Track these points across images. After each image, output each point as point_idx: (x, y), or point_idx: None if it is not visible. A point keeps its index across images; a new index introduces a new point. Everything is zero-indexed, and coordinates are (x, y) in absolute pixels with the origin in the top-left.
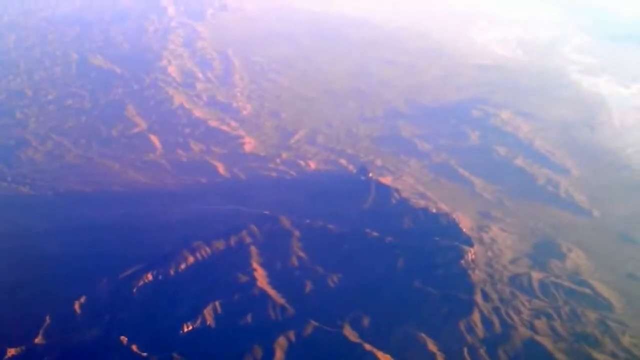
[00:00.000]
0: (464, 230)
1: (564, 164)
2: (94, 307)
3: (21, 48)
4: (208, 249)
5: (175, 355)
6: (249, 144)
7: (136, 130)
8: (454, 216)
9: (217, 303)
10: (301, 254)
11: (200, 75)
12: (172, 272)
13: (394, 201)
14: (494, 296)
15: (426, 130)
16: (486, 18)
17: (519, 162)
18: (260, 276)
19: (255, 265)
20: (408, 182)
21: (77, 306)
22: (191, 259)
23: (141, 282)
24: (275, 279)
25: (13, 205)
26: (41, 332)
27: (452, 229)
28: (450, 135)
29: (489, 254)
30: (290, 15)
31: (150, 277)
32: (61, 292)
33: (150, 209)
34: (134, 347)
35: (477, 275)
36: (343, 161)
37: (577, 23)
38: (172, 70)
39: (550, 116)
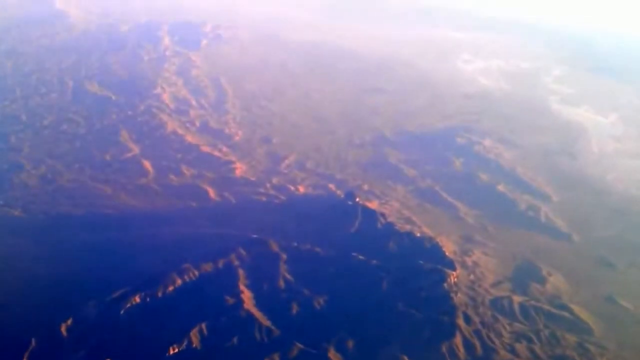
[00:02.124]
0: (447, 253)
1: (545, 190)
2: (80, 329)
3: (18, 75)
4: (196, 272)
5: None
6: (240, 169)
7: (129, 155)
8: (438, 240)
9: (203, 325)
10: (288, 276)
11: (193, 102)
12: (159, 294)
13: (379, 225)
14: (476, 319)
15: (412, 156)
16: (470, 50)
17: (501, 188)
18: (247, 298)
19: (242, 287)
20: (394, 206)
21: (63, 329)
22: (179, 281)
23: (129, 304)
24: (261, 301)
25: (5, 228)
26: (26, 355)
27: (435, 253)
28: (435, 161)
29: (471, 277)
30: (281, 46)
31: (137, 299)
32: (48, 315)
33: (141, 232)
34: None
35: (459, 298)
36: (331, 186)
37: (558, 55)
38: (166, 97)
39: (531, 144)
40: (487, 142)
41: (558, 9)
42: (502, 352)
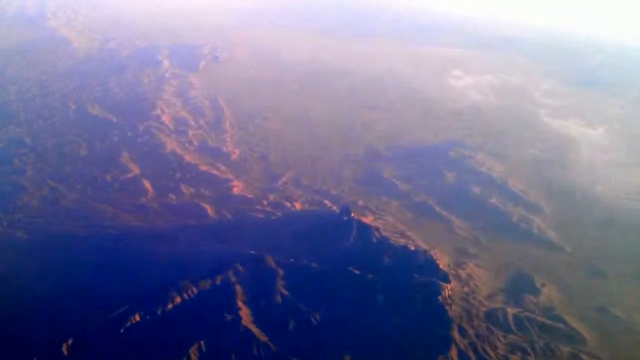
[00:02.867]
0: (441, 266)
1: (537, 202)
2: (81, 348)
3: (22, 99)
4: (194, 289)
5: None
6: (237, 187)
7: (130, 175)
8: (432, 253)
9: (202, 342)
10: (285, 292)
11: (192, 122)
12: (159, 312)
13: (374, 239)
14: (471, 332)
15: (406, 171)
16: (460, 66)
17: (494, 201)
18: (245, 315)
19: (240, 303)
20: (388, 221)
21: (64, 348)
22: (178, 299)
23: (129, 323)
24: (259, 317)
25: (8, 248)
26: None
27: (430, 266)
28: (428, 176)
29: (466, 289)
30: (278, 66)
31: (137, 317)
32: (49, 334)
33: (141, 250)
34: None
35: (454, 311)
36: (327, 202)
37: (546, 69)
38: (165, 118)
39: (522, 156)
40: (479, 156)
41: (546, 25)
42: None
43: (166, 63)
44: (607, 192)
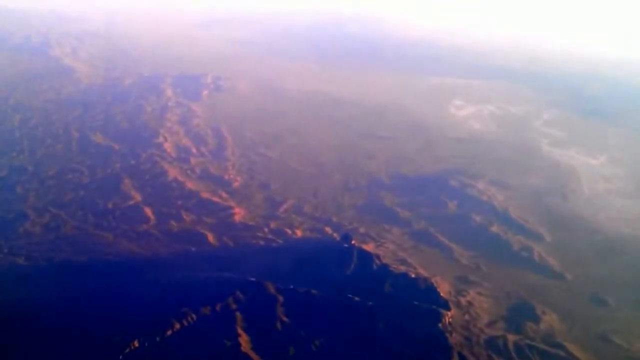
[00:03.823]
0: (442, 294)
1: (538, 230)
2: None
3: (25, 127)
4: (194, 315)
5: None
6: (239, 214)
7: (131, 202)
8: (433, 281)
9: None
10: (285, 318)
11: (194, 150)
12: (158, 338)
13: (375, 267)
14: (471, 359)
15: (407, 199)
16: (462, 96)
17: (495, 229)
18: (245, 341)
19: (239, 330)
20: (389, 248)
21: None
22: (177, 326)
23: (128, 350)
24: (259, 344)
25: (8, 275)
26: None
27: (430, 293)
28: (429, 204)
29: (466, 317)
30: (280, 95)
31: (136, 344)
32: None
33: (141, 277)
34: None
35: (454, 339)
36: (328, 229)
37: (547, 99)
38: (167, 146)
39: (523, 185)
40: (480, 185)
41: (546, 54)
42: None
43: (169, 92)
44: (608, 220)
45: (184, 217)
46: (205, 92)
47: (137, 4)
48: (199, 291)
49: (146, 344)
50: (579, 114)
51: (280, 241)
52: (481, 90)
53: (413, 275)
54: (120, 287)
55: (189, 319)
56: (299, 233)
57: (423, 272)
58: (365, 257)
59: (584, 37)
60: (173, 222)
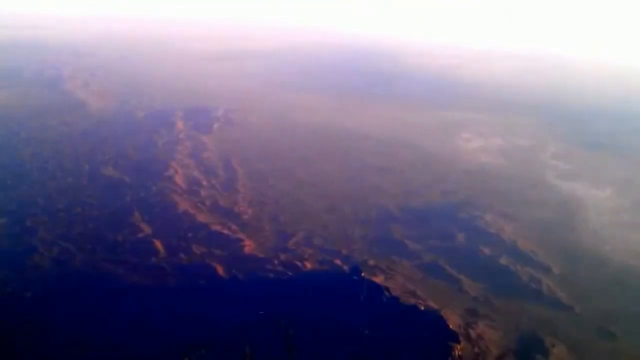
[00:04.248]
0: (451, 326)
1: (546, 263)
2: None
3: (36, 161)
4: (203, 350)
5: None
6: (249, 247)
7: (141, 235)
8: (442, 313)
9: None
10: (294, 351)
11: (204, 182)
12: None
13: (384, 299)
14: None
15: (416, 231)
16: (470, 129)
17: (503, 261)
18: None
19: None
20: (399, 281)
21: None
22: None
23: None
24: None
25: (16, 308)
26: None
27: (439, 326)
28: (438, 236)
29: (476, 349)
30: (290, 128)
31: None
32: None
33: (150, 311)
34: None
35: None
36: (338, 261)
37: (554, 133)
38: (178, 178)
39: (531, 217)
40: (489, 217)
41: (552, 89)
42: None
43: (180, 124)
44: (615, 253)
45: (194, 249)
46: (216, 125)
47: (151, 38)
48: (209, 325)
49: None
50: (586, 147)
51: (290, 273)
52: (489, 123)
53: (422, 308)
54: (129, 322)
55: (199, 353)
56: (308, 265)
57: (432, 305)
58: (375, 290)
59: (589, 69)
60: (183, 255)
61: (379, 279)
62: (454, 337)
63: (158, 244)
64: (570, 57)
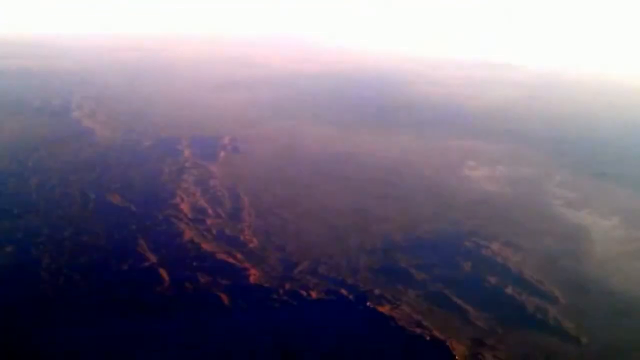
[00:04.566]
0: (458, 357)
1: (552, 293)
2: None
3: (42, 190)
4: None
5: None
6: (254, 276)
7: (146, 264)
8: (448, 344)
9: None
10: None
11: (210, 211)
12: None
13: (390, 329)
14: None
15: (422, 261)
16: (475, 158)
17: (509, 291)
18: None
19: None
20: (404, 310)
21: None
22: None
23: None
24: None
25: (19, 338)
26: None
27: (446, 357)
28: (444, 265)
29: None
30: (296, 156)
31: None
32: None
33: (153, 342)
34: None
35: None
36: (343, 291)
37: (559, 162)
38: (184, 207)
39: (537, 247)
40: (494, 246)
41: (557, 117)
42: None
43: (187, 153)
44: (622, 283)
45: (199, 278)
46: (222, 154)
47: (157, 67)
48: (212, 355)
49: None
50: (591, 176)
51: (295, 303)
52: (494, 152)
53: (428, 338)
54: (133, 353)
55: None
56: (314, 295)
57: (438, 335)
58: (380, 320)
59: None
60: (188, 284)
61: (384, 309)
62: None
63: (163, 272)
64: (572, 73)
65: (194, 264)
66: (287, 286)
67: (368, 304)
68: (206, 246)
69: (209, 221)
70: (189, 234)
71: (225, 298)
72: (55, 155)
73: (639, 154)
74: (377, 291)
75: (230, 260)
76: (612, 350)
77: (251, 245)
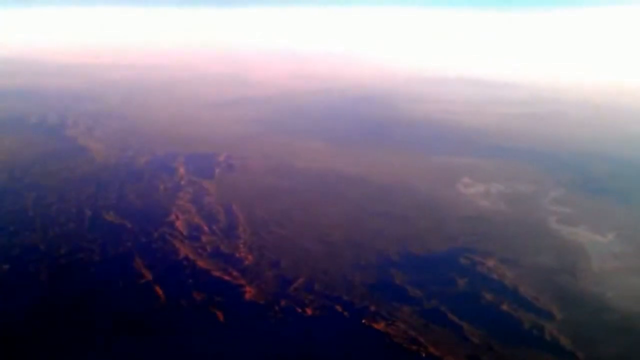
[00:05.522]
0: None
1: (548, 309)
2: None
3: (39, 207)
4: None
5: None
6: (249, 293)
7: (142, 281)
8: None
9: None
10: None
11: (205, 228)
12: None
13: (385, 346)
14: None
15: (417, 277)
16: (470, 175)
17: (505, 307)
18: None
19: None
20: (400, 327)
21: None
22: None
23: None
24: None
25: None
26: None
27: None
28: (439, 282)
29: None
30: (291, 174)
31: None
32: None
33: (149, 358)
34: None
35: None
36: (338, 307)
37: (555, 178)
38: (179, 224)
39: (532, 263)
40: (490, 263)
41: (553, 134)
42: None
43: (182, 170)
44: (618, 298)
45: (195, 295)
46: (218, 170)
47: (153, 84)
48: None
49: None
50: (587, 193)
51: (290, 320)
52: (489, 168)
53: (424, 355)
54: None
55: None
56: (309, 311)
57: (434, 351)
58: (376, 337)
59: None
60: (183, 301)
61: (380, 326)
62: None
63: (159, 290)
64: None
65: (189, 281)
66: (283, 303)
67: (363, 320)
68: (201, 263)
69: (204, 238)
70: (184, 251)
71: (220, 315)
72: (52, 173)
73: (634, 170)
74: (372, 307)
75: (226, 277)
76: None
77: (246, 262)
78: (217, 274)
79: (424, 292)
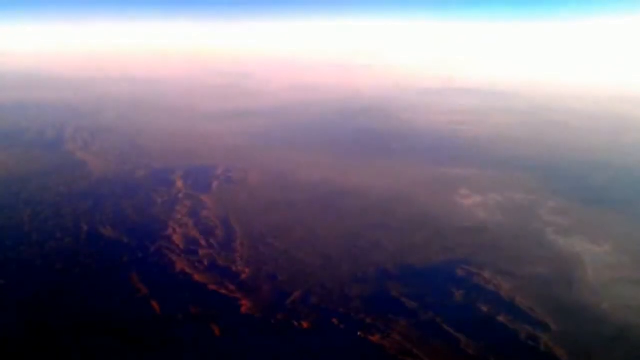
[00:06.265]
0: None
1: (544, 320)
2: None
3: (35, 221)
4: None
5: None
6: (245, 306)
7: (138, 295)
8: None
9: None
10: None
11: (202, 242)
12: None
13: (381, 359)
14: None
15: (414, 289)
16: (467, 185)
17: (501, 318)
18: None
19: None
20: (396, 339)
21: None
22: None
23: None
24: None
25: None
26: None
27: None
28: (436, 294)
29: None
30: (289, 186)
31: None
32: None
33: None
34: None
35: None
36: (335, 320)
37: (551, 189)
38: (176, 238)
39: (529, 274)
40: (486, 274)
41: (551, 143)
42: None
43: (180, 184)
44: (614, 309)
45: (191, 310)
46: (215, 184)
47: (150, 97)
48: None
49: None
50: (584, 203)
51: (287, 333)
52: (486, 179)
53: None
54: None
55: None
56: (305, 325)
57: None
58: (371, 349)
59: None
60: (179, 315)
61: (375, 338)
62: None
63: (155, 304)
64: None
65: (186, 295)
66: (279, 316)
67: (359, 333)
68: (198, 277)
69: (201, 252)
70: (180, 265)
71: (216, 329)
72: (48, 187)
73: (629, 180)
74: (368, 320)
75: (222, 291)
76: None
77: (243, 275)
78: (213, 287)
79: (420, 304)
